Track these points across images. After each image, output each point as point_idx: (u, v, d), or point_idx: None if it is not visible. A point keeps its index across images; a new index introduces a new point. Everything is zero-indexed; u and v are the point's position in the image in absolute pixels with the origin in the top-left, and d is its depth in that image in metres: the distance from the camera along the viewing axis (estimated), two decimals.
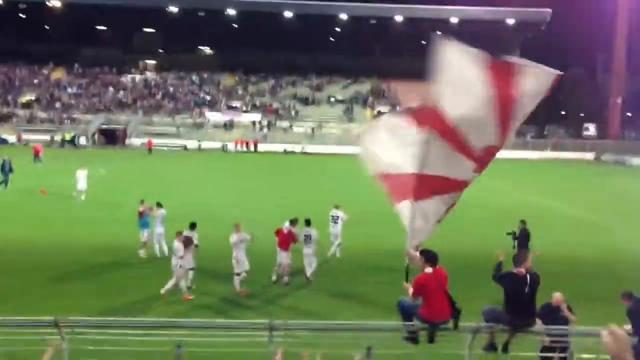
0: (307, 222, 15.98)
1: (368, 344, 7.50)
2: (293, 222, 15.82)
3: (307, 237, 15.65)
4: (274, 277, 15.48)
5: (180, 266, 13.96)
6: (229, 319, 11.72)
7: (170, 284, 13.87)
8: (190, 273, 14.68)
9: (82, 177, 27.81)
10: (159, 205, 17.88)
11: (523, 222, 16.48)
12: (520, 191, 37.68)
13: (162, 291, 13.79)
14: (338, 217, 18.10)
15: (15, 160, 37.89)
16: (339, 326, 8.54)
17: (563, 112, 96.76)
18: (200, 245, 15.63)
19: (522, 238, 15.93)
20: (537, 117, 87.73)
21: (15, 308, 12.56)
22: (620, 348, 2.81)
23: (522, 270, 8.13)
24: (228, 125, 77.15)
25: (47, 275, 15.68)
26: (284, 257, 15.25)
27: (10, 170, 32.29)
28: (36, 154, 45.46)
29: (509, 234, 16.29)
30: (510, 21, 79.44)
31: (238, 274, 14.51)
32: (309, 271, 15.67)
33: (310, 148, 69.56)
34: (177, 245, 14.06)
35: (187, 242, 14.31)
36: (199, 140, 70.96)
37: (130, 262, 17.34)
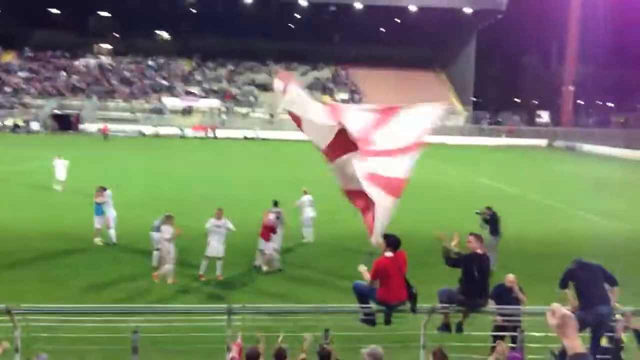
0: (275, 203, 16.72)
1: (326, 326, 7.61)
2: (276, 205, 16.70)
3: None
4: (257, 263, 15.40)
5: (158, 249, 14.25)
6: (187, 304, 11.66)
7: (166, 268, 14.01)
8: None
9: (60, 167, 26.38)
10: (103, 188, 17.62)
11: (489, 208, 16.70)
12: (475, 175, 38.44)
13: (155, 274, 14.05)
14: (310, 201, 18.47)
15: None
16: (296, 309, 8.62)
17: (517, 99, 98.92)
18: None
19: (493, 223, 16.26)
20: (492, 104, 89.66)
21: None
22: (561, 324, 2.94)
23: (480, 251, 8.36)
24: (186, 111, 76.10)
25: None
26: (269, 247, 15.23)
27: None
28: None
29: (478, 213, 16.60)
30: (468, 10, 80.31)
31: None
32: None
33: (267, 134, 69.15)
34: (166, 228, 14.12)
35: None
36: (156, 126, 69.77)
37: (83, 248, 17.06)
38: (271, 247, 15.27)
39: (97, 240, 17.35)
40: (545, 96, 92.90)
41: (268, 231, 15.29)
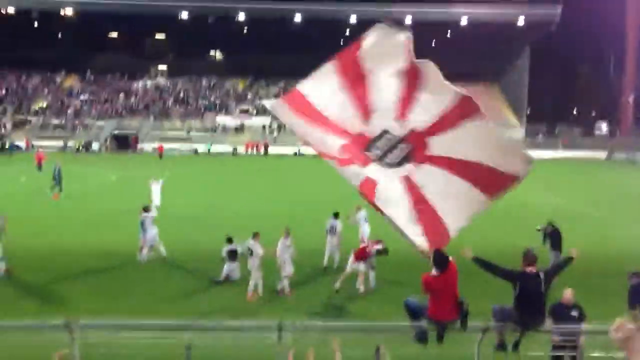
0: (335, 215, 17.54)
1: (377, 343, 7.51)
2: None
3: (333, 229, 17.15)
4: (337, 285, 15.09)
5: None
6: (238, 321, 11.74)
7: (251, 284, 14.47)
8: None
9: (156, 191, 26.07)
10: (146, 209, 18.11)
11: (551, 223, 16.32)
12: (531, 190, 37.44)
13: (249, 294, 14.45)
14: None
15: (24, 167, 38.34)
16: (347, 327, 8.55)
17: (575, 111, 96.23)
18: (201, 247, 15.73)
19: (554, 238, 15.85)
20: (548, 116, 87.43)
21: (26, 310, 12.69)
22: (625, 339, 2.83)
23: (534, 269, 8.09)
24: (238, 129, 77.43)
25: (50, 278, 15.83)
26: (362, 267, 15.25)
27: (61, 176, 32.55)
28: (39, 163, 42.37)
29: (538, 230, 16.28)
30: (520, 22, 79.07)
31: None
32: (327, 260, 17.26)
33: (307, 150, 69.18)
34: (253, 244, 14.60)
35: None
36: (209, 145, 71.19)
37: (135, 264, 17.49)
38: (363, 266, 15.18)
39: (142, 255, 17.85)
40: (603, 107, 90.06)
41: (363, 252, 15.26)
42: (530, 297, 7.94)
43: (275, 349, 7.47)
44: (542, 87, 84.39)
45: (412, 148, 7.10)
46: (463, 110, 6.93)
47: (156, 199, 25.41)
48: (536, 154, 52.42)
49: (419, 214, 7.09)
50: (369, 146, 7.29)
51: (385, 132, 7.18)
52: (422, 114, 7.17)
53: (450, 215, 7.10)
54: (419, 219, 7.13)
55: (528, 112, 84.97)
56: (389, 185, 7.07)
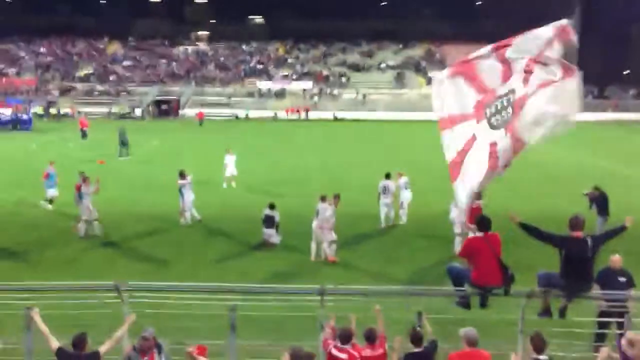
0: (387, 175, 18.26)
1: (418, 308, 7.51)
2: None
3: (385, 188, 17.84)
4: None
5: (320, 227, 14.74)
6: (281, 284, 11.90)
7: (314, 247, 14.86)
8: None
9: (231, 163, 24.90)
10: (182, 174, 18.37)
11: (597, 187, 16.00)
12: (578, 152, 36.51)
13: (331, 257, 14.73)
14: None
15: (72, 134, 39.24)
16: (389, 291, 8.56)
17: (626, 72, 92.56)
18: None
19: (600, 203, 15.55)
20: (598, 77, 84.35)
21: (76, 273, 13.12)
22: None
23: (580, 234, 7.90)
24: (279, 94, 77.40)
25: (94, 243, 16.31)
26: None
27: (126, 139, 34.14)
28: (82, 130, 42.59)
29: (585, 194, 16.01)
30: None
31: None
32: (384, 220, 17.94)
33: (357, 114, 68.97)
34: (324, 206, 14.82)
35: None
36: (249, 110, 71.45)
37: (180, 228, 17.85)
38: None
39: (182, 220, 18.33)
40: None
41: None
42: (577, 263, 7.77)
43: (317, 312, 7.56)
44: (592, 48, 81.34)
45: (511, 115, 7.30)
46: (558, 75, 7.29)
47: (231, 168, 24.76)
48: (585, 116, 51.02)
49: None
50: (490, 103, 7.69)
51: (510, 92, 7.44)
52: (530, 82, 7.38)
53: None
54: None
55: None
56: (479, 147, 7.49)
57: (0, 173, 27.34)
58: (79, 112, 64.07)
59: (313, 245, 14.95)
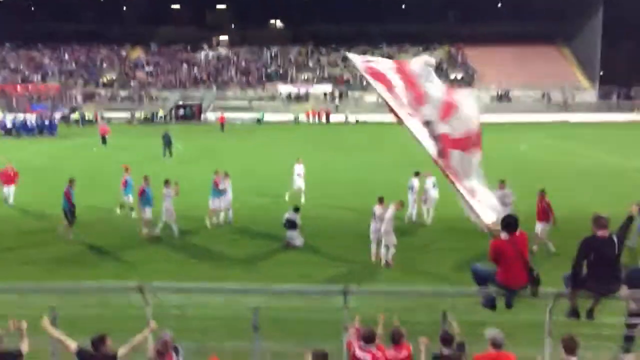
0: (416, 173, 18.78)
1: (444, 308, 7.44)
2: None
3: (412, 186, 18.63)
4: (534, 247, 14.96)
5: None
6: (304, 284, 11.89)
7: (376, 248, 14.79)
8: None
9: (300, 173, 22.46)
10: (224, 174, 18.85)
11: None
12: (605, 153, 35.98)
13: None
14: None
15: (95, 139, 39.66)
16: (413, 292, 8.49)
17: None
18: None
19: None
20: (622, 78, 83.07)
21: (103, 274, 13.24)
22: None
23: (606, 233, 7.76)
24: (300, 97, 77.57)
25: (126, 243, 16.45)
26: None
27: (170, 142, 36.05)
28: (103, 136, 42.21)
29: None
30: None
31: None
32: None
33: (378, 117, 68.87)
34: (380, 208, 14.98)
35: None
36: (261, 114, 71.37)
37: (205, 229, 17.96)
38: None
39: (211, 221, 18.43)
40: None
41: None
42: (604, 262, 7.64)
43: (341, 312, 7.52)
44: (616, 48, 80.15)
45: (440, 147, 8.40)
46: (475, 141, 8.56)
47: (300, 181, 22.32)
48: (610, 117, 50.54)
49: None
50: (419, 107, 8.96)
51: (428, 122, 8.67)
52: (455, 127, 8.55)
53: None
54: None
55: (601, 74, 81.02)
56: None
57: (54, 177, 27.62)
58: (102, 118, 64.83)
59: (373, 247, 15.00)
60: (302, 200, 21.68)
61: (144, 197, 17.26)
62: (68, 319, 7.63)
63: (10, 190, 22.11)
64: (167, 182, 17.62)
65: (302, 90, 78.92)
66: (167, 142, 35.95)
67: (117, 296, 7.96)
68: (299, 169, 22.36)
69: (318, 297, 8.61)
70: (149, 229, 17.23)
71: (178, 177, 26.01)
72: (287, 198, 21.99)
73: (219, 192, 18.47)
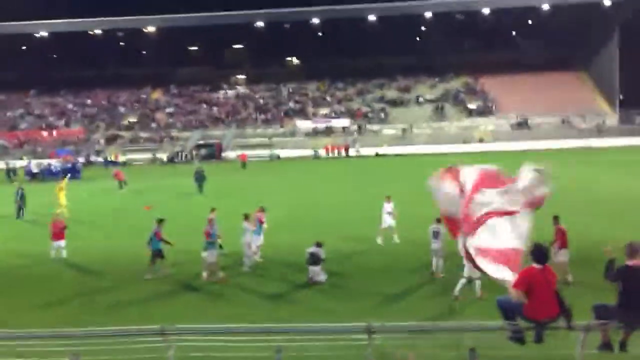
0: (438, 220, 15.50)
1: (471, 345, 7.24)
2: None
3: (436, 233, 16.03)
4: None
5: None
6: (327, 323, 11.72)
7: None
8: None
9: (388, 210, 20.61)
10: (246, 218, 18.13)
11: None
12: (631, 179, 35.41)
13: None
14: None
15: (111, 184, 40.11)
16: (439, 327, 8.30)
17: None
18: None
19: None
20: None
21: (122, 317, 13.20)
22: None
23: (638, 262, 7.56)
24: (319, 132, 78.09)
25: (149, 285, 16.42)
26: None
27: (203, 179, 37.37)
28: (118, 180, 41.25)
29: None
30: (607, 1, 74.85)
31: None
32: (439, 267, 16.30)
33: (398, 149, 68.93)
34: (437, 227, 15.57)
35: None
36: (287, 149, 72.15)
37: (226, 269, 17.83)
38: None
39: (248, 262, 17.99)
40: None
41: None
42: (636, 292, 7.43)
43: (365, 351, 7.37)
44: (635, 71, 79.65)
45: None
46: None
47: (390, 220, 20.53)
48: (632, 141, 49.92)
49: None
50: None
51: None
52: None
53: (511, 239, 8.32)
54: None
55: (621, 98, 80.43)
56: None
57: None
58: (123, 163, 65.81)
59: (434, 262, 16.05)
60: (396, 239, 20.30)
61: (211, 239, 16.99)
62: None
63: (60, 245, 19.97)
64: (246, 216, 17.67)
65: (321, 126, 79.46)
66: (200, 179, 37.26)
67: (138, 340, 7.90)
68: (388, 207, 20.52)
69: (341, 335, 8.48)
70: (214, 272, 16.76)
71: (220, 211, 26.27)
72: (379, 241, 20.45)
73: (260, 229, 18.43)
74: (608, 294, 7.99)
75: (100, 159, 70.27)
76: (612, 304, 7.68)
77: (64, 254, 19.78)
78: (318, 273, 15.91)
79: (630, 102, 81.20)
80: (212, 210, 18.59)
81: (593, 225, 21.56)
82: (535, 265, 7.47)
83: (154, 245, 17.29)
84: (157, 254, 17.27)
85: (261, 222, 18.65)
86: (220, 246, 18.61)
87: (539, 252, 7.55)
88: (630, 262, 7.55)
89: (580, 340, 7.33)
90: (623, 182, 34.56)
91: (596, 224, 21.96)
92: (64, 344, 7.94)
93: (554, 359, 7.83)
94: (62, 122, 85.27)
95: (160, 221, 17.75)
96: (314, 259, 15.90)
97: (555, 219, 15.48)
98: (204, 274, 16.76)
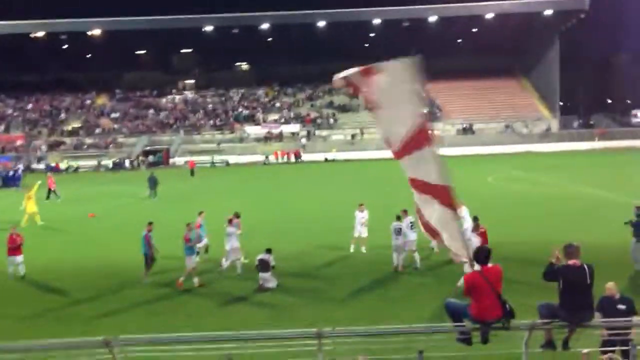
0: (398, 217, 17.47)
1: (419, 347, 7.32)
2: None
3: (397, 230, 17.20)
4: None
5: None
6: (277, 329, 11.65)
7: None
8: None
9: (361, 221, 19.86)
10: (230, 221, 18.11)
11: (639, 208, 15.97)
12: (571, 182, 36.68)
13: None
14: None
15: (60, 190, 38.81)
16: (389, 331, 8.35)
17: (609, 100, 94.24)
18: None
19: (637, 225, 15.51)
20: (582, 107, 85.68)
21: (67, 330, 12.80)
22: None
23: (577, 262, 7.80)
24: (268, 138, 77.87)
25: (91, 295, 15.98)
26: None
27: (156, 183, 37.87)
28: (49, 188, 38.37)
29: (626, 223, 15.89)
30: (548, 12, 77.47)
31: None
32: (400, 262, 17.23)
33: (347, 155, 69.38)
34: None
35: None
36: (236, 155, 71.69)
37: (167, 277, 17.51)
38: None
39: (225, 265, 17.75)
40: (639, 95, 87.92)
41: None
42: (576, 291, 7.66)
43: (316, 356, 7.35)
44: (574, 78, 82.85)
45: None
46: (424, 136, 7.52)
47: (361, 228, 19.81)
48: (572, 145, 51.71)
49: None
50: None
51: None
52: (396, 131, 8.01)
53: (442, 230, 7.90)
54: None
55: (561, 104, 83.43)
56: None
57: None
58: (66, 169, 63.79)
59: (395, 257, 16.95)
60: (363, 250, 19.72)
61: (201, 230, 17.37)
62: None
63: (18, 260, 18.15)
64: (230, 220, 17.53)
65: (271, 131, 79.27)
66: (153, 184, 37.83)
67: (83, 353, 7.65)
68: (361, 216, 19.85)
69: (292, 341, 8.43)
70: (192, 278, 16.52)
71: (170, 218, 25.80)
72: (351, 249, 19.96)
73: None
74: (552, 294, 8.22)
75: (41, 166, 68.06)
76: (555, 303, 7.90)
77: (22, 269, 18.06)
78: (268, 280, 15.83)
79: (569, 108, 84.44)
80: (200, 213, 18.97)
81: (539, 225, 22.18)
82: (476, 268, 7.62)
83: (143, 250, 17.10)
84: (146, 258, 17.05)
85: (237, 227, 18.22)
86: (206, 250, 18.81)
87: (478, 254, 7.71)
88: (570, 262, 7.79)
89: (525, 339, 7.50)
90: (566, 185, 35.73)
91: (546, 224, 22.60)
92: (2, 358, 7.63)
93: (500, 358, 8.00)
94: (2, 127, 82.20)
95: (150, 224, 17.43)
96: (264, 266, 15.81)
97: (475, 219, 15.90)
98: (195, 280, 16.44)
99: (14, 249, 17.95)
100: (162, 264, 18.30)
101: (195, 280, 16.43)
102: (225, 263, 17.61)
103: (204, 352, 7.84)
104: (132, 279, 17.38)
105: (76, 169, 69.45)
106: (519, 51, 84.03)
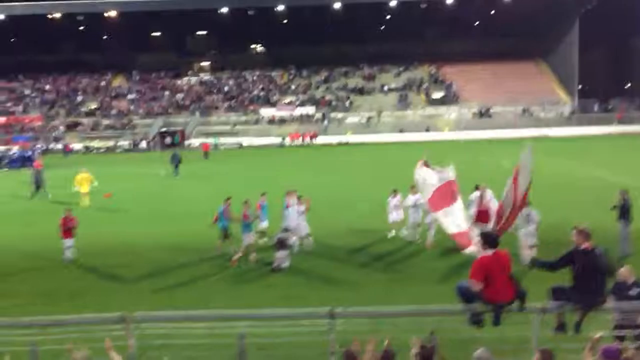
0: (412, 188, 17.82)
1: (430, 328, 7.36)
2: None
3: (413, 204, 18.21)
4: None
5: None
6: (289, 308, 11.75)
7: None
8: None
9: (395, 204, 18.95)
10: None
11: (624, 191, 15.80)
12: (587, 167, 36.33)
13: None
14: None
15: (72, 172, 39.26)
16: (400, 312, 8.40)
17: (628, 84, 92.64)
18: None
19: (623, 208, 15.37)
20: (601, 91, 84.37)
21: (83, 305, 13.01)
22: None
23: (589, 245, 7.78)
24: (283, 121, 77.86)
25: (113, 273, 16.20)
26: None
27: (180, 161, 39.27)
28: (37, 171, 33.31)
29: (612, 209, 15.78)
30: None
31: None
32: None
33: (362, 138, 69.14)
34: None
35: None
36: (216, 139, 70.67)
37: (194, 259, 17.66)
38: None
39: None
40: None
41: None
42: (588, 275, 7.65)
43: (328, 335, 7.43)
44: (593, 62, 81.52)
45: None
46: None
47: (399, 213, 18.90)
48: (590, 130, 51.05)
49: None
50: None
51: None
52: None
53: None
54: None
55: (580, 88, 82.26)
56: None
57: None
58: (88, 148, 64.37)
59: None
60: (404, 231, 18.73)
61: (262, 212, 17.87)
62: (51, 354, 7.49)
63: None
64: (299, 198, 17.74)
65: (286, 113, 79.22)
66: (177, 162, 38.73)
67: (99, 329, 7.80)
68: (394, 201, 18.90)
69: (304, 320, 8.51)
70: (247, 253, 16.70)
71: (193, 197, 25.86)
72: (392, 233, 19.11)
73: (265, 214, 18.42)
74: (563, 278, 8.21)
75: (59, 147, 68.68)
76: (568, 286, 7.89)
77: (70, 253, 17.46)
78: (284, 259, 15.84)
79: (588, 92, 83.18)
80: (263, 194, 18.75)
81: (555, 209, 22.03)
82: (488, 253, 7.62)
83: (221, 223, 17.22)
84: (224, 233, 17.20)
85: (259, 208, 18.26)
86: (262, 233, 18.53)
87: (488, 239, 7.72)
88: (582, 245, 7.77)
89: (536, 322, 7.52)
90: (587, 170, 35.40)
91: (558, 209, 22.45)
92: (22, 333, 7.80)
93: (512, 340, 8.03)
94: (20, 108, 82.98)
95: (228, 199, 17.53)
96: (282, 244, 15.81)
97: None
98: (252, 256, 16.54)
99: (66, 231, 17.49)
100: (182, 241, 18.48)
101: (252, 256, 16.52)
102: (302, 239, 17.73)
103: (217, 331, 7.96)
104: (148, 256, 17.58)
105: (96, 150, 70.04)
106: (537, 34, 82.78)
